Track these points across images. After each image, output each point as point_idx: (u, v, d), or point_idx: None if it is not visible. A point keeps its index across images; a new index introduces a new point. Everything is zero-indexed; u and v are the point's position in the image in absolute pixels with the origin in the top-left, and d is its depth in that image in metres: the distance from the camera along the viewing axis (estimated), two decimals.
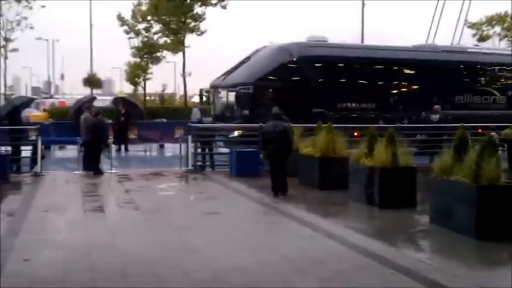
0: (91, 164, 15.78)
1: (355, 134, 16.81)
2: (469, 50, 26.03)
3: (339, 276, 6.37)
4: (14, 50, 41.54)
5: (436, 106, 20.05)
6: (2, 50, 40.60)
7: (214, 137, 18.50)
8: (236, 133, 18.88)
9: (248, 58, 22.93)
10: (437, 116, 19.51)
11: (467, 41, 32.75)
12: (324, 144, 13.02)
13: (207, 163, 17.39)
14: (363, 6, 40.29)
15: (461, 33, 29.12)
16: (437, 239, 8.65)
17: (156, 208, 10.67)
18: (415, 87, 23.06)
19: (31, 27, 40.64)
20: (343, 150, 13.00)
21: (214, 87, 23.52)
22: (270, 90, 20.88)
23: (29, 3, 39.75)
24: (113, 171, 16.05)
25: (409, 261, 6.96)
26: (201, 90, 25.49)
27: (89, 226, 9.15)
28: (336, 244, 7.84)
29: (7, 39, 40.36)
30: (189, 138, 16.56)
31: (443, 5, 27.98)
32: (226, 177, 14.94)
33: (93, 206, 10.99)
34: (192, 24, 36.87)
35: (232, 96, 21.47)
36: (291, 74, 21.12)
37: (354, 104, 21.86)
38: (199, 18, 36.76)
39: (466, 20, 30.45)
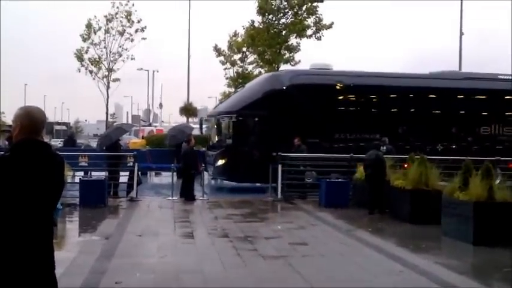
0: (183, 191, 16.25)
1: None
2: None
3: None
4: (116, 79, 43.70)
5: None
6: (105, 80, 42.87)
7: (304, 167, 18.43)
8: (220, 162, 18.53)
9: (243, 86, 22.68)
10: None
11: None
12: (415, 176, 12.70)
13: (297, 192, 17.37)
14: (460, 36, 39.15)
15: None
16: None
17: (244, 236, 10.77)
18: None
19: (132, 58, 42.81)
20: (436, 183, 12.63)
21: (209, 116, 23.40)
22: (256, 119, 19.90)
23: (131, 35, 41.97)
24: (204, 198, 16.41)
25: None
26: (201, 119, 25.58)
27: (179, 251, 9.37)
28: (425, 281, 7.60)
29: (110, 70, 42.60)
30: (279, 167, 16.63)
31: None
32: (316, 208, 14.88)
33: (183, 232, 11.25)
34: (287, 55, 37.25)
35: (219, 125, 20.88)
36: (280, 102, 19.71)
37: (353, 135, 19.96)
38: (294, 49, 37.06)
39: None
